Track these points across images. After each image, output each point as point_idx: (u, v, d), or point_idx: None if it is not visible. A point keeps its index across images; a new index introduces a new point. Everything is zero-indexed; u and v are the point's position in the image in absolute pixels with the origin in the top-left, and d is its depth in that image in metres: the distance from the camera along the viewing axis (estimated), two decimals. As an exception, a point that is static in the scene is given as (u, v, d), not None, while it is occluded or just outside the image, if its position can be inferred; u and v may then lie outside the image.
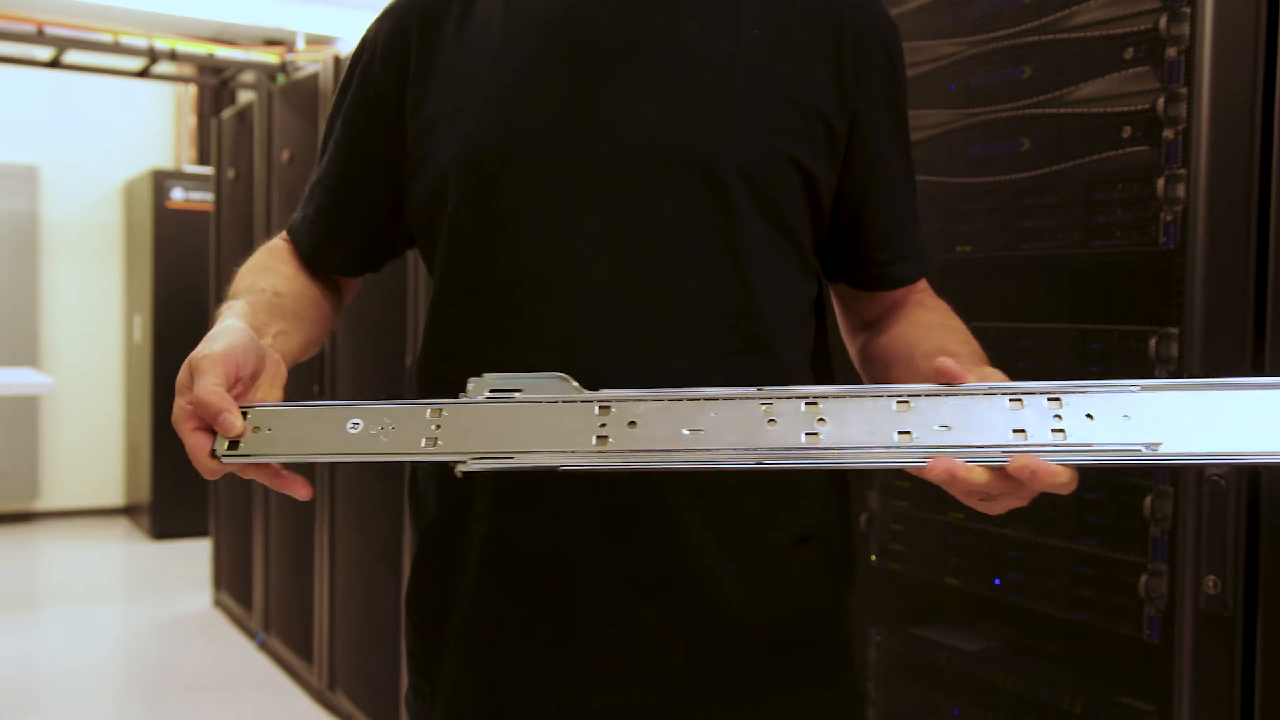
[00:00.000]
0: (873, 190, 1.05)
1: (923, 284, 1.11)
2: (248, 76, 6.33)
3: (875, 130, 1.04)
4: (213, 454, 0.85)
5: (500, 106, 1.00)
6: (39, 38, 5.33)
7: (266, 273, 1.10)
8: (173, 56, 5.55)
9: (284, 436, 0.86)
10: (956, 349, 0.99)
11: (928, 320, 1.06)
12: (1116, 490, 1.37)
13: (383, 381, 3.13)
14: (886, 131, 1.05)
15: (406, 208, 1.09)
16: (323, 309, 1.13)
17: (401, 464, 1.08)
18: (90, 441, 6.81)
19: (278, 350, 0.97)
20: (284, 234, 1.17)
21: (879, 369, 1.07)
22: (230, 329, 0.91)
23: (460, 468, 0.84)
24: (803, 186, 1.00)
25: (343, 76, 1.14)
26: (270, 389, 0.93)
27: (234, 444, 0.85)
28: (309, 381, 3.62)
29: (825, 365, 1.10)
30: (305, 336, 1.06)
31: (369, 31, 1.12)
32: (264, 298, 1.04)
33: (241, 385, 0.89)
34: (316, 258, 1.14)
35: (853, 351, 1.14)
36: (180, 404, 0.86)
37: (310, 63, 4.48)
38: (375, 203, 1.11)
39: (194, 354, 0.86)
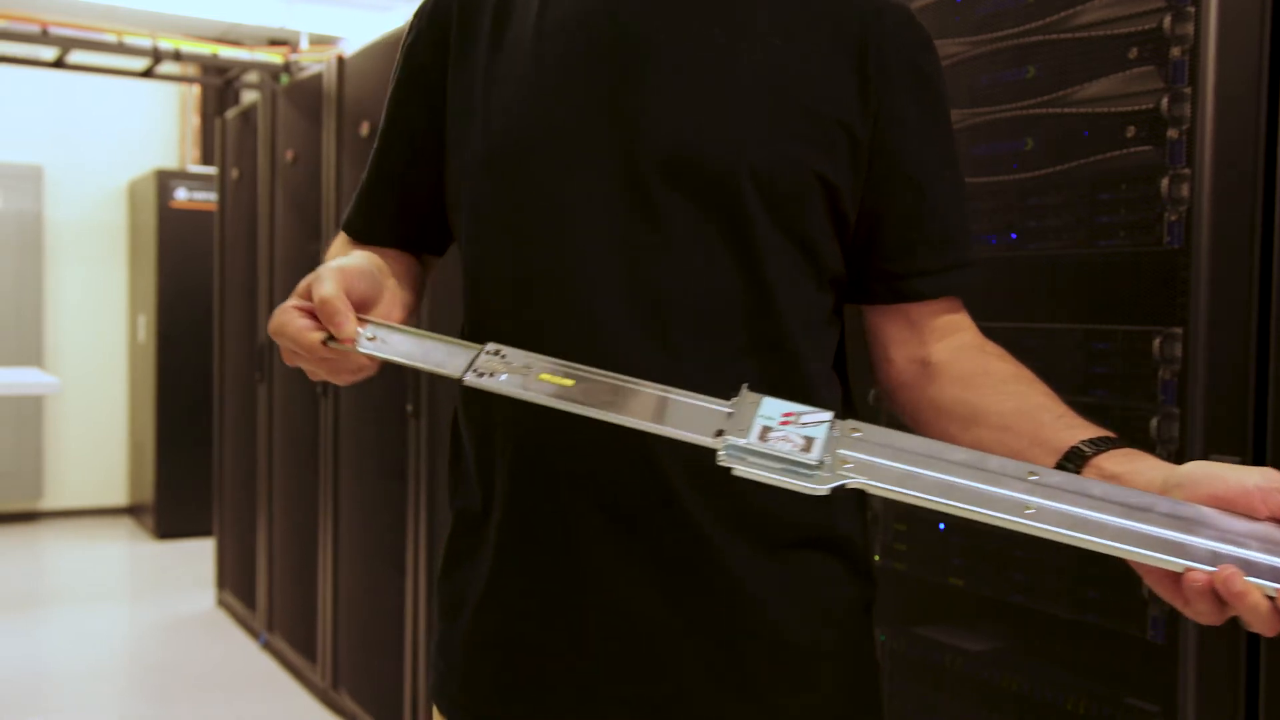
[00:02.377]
0: (892, 202, 1.03)
1: (969, 322, 1.06)
2: (252, 76, 6.33)
3: (899, 141, 1.02)
4: (323, 343, 0.93)
5: (525, 105, 1.02)
6: (43, 38, 5.34)
7: (357, 249, 1.14)
8: (177, 57, 5.56)
9: (392, 349, 0.93)
10: (1051, 404, 0.96)
11: (1001, 371, 1.01)
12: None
13: (386, 382, 3.14)
14: (915, 144, 1.03)
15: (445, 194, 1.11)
16: (410, 279, 1.14)
17: (450, 446, 1.13)
18: (94, 441, 6.82)
19: (400, 300, 1.05)
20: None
21: (951, 423, 1.00)
22: (351, 257, 1.00)
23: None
24: (823, 196, 1.00)
25: (395, 70, 1.15)
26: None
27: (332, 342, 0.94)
28: (311, 382, 3.63)
29: (844, 374, 1.10)
30: (412, 297, 1.11)
31: (415, 14, 1.14)
32: (371, 257, 1.07)
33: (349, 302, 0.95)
34: (356, 230, 1.17)
35: (898, 394, 1.07)
36: (290, 303, 0.95)
37: (314, 63, 4.49)
38: (414, 176, 1.13)
39: (319, 268, 0.95)
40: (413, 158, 1.12)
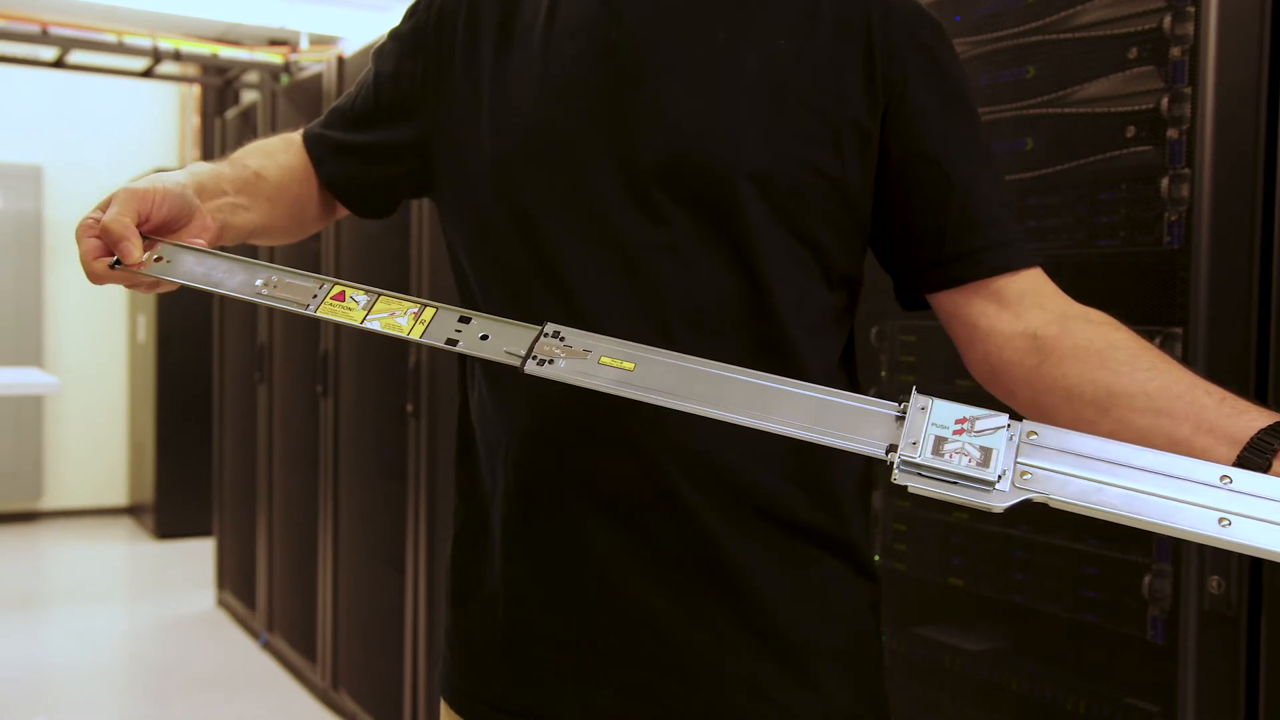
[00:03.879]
0: (916, 188, 1.02)
1: (1055, 288, 1.00)
2: (252, 76, 6.33)
3: (914, 128, 1.01)
4: (112, 267, 0.95)
5: (531, 106, 1.02)
6: (43, 38, 5.34)
7: (262, 155, 1.16)
8: (177, 57, 5.55)
9: (180, 269, 0.95)
10: (1203, 382, 0.88)
11: (1127, 343, 0.93)
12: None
13: (386, 382, 3.14)
14: (931, 128, 1.02)
15: (437, 188, 1.12)
16: (302, 208, 1.18)
17: (457, 439, 1.13)
18: (94, 441, 6.82)
19: (218, 218, 1.04)
20: (300, 133, 1.22)
21: (1085, 408, 0.92)
22: (162, 178, 1.00)
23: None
24: (831, 194, 1.00)
25: (395, 27, 1.16)
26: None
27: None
28: (311, 382, 3.63)
29: (852, 373, 1.09)
30: (267, 221, 1.12)
31: (420, 2, 1.14)
32: (240, 172, 1.10)
33: (149, 226, 0.97)
34: (315, 157, 1.17)
35: (1003, 377, 1.00)
36: (89, 216, 0.97)
37: (314, 63, 4.48)
38: (384, 146, 1.14)
39: (119, 187, 0.96)
40: (392, 130, 1.13)
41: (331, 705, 3.62)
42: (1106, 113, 1.40)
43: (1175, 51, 1.31)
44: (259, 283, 0.92)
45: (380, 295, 0.90)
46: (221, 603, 4.83)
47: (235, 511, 4.57)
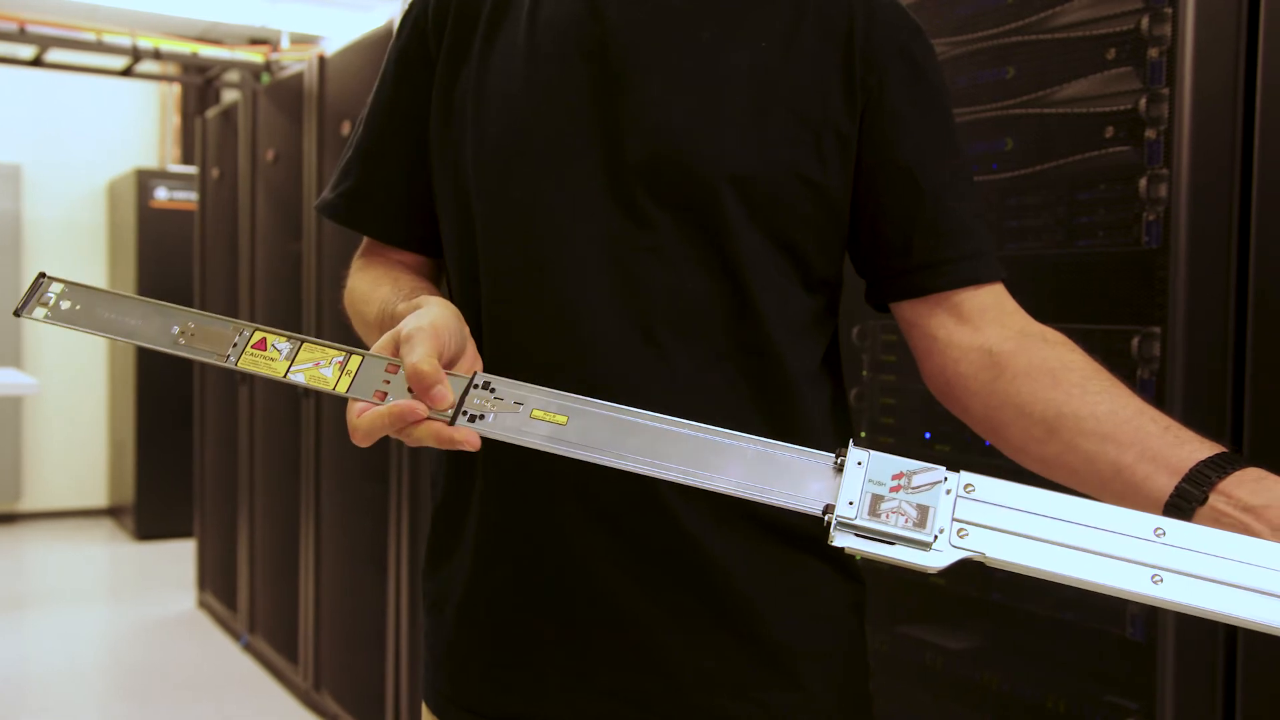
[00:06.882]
0: (888, 194, 1.02)
1: (1016, 306, 1.01)
2: (232, 76, 6.30)
3: (890, 133, 1.01)
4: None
5: (516, 103, 1.02)
6: (21, 36, 5.29)
7: (389, 280, 1.08)
8: (156, 55, 5.52)
9: (92, 317, 0.88)
10: (1149, 409, 0.89)
11: (1080, 365, 0.94)
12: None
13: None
14: (908, 133, 1.01)
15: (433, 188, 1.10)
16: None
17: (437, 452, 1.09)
18: (74, 442, 6.77)
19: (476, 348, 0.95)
20: (357, 256, 1.16)
21: (1034, 425, 0.93)
22: (438, 303, 0.91)
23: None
24: (810, 199, 0.99)
25: (389, 50, 1.14)
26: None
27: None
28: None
29: (836, 374, 1.10)
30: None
31: (410, 8, 1.12)
32: (436, 299, 0.97)
33: (442, 363, 0.85)
34: (352, 220, 1.14)
35: (957, 390, 1.01)
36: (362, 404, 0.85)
37: (295, 62, 4.46)
38: (413, 165, 1.10)
39: (403, 326, 0.85)
40: (417, 153, 1.10)
41: (313, 706, 3.61)
42: (1085, 113, 1.40)
43: (1153, 52, 1.32)
44: (175, 330, 0.87)
45: (304, 343, 0.86)
46: (202, 604, 4.81)
47: (216, 512, 4.55)
